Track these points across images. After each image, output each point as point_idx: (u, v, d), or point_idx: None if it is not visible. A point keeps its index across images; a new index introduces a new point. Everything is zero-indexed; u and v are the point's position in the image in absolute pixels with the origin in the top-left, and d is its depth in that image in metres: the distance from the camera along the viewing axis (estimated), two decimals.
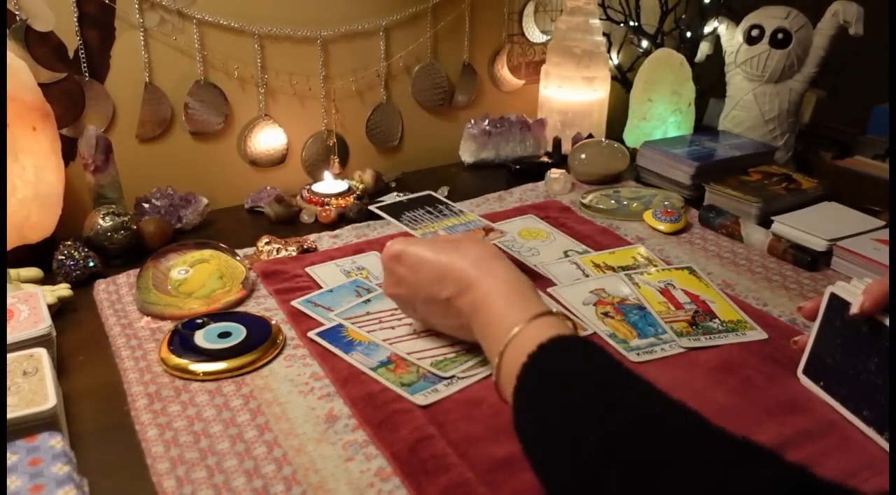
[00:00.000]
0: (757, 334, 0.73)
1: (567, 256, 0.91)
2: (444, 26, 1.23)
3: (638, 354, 0.70)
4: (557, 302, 0.80)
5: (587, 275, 0.85)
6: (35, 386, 0.58)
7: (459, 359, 0.68)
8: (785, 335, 0.73)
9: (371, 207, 0.92)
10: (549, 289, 0.82)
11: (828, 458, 0.58)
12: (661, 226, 0.98)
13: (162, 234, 0.93)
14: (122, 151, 0.99)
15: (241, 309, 0.79)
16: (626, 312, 0.77)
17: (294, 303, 0.78)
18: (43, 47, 0.94)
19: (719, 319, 0.76)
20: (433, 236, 0.77)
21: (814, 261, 0.89)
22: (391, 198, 1.09)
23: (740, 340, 0.72)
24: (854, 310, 0.59)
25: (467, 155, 1.25)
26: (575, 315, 0.77)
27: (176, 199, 1.00)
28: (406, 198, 0.97)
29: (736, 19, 1.25)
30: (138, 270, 0.81)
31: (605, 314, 0.77)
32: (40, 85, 0.87)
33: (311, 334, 0.73)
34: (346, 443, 0.59)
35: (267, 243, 0.91)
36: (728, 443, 0.42)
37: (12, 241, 0.83)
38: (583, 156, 1.15)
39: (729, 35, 1.25)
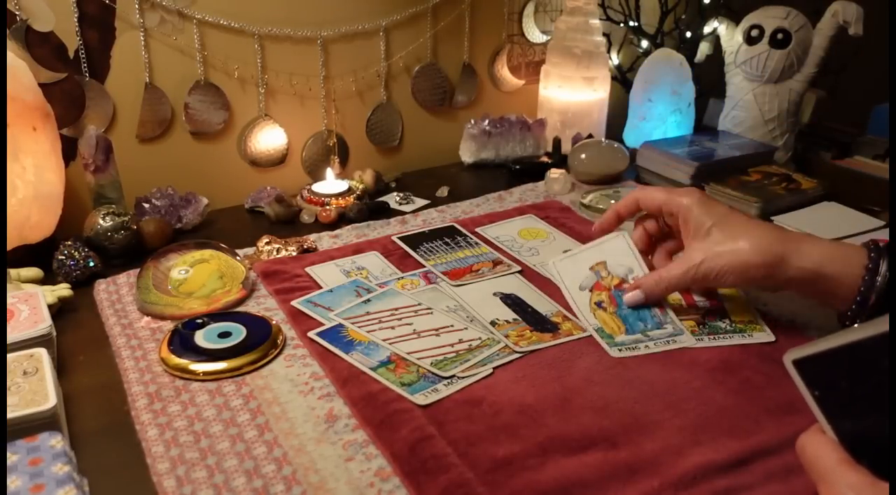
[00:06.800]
0: (765, 336, 0.73)
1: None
2: (444, 26, 1.23)
3: (620, 350, 0.70)
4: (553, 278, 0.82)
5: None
6: (35, 386, 0.58)
7: (459, 358, 0.68)
8: (785, 336, 0.73)
9: (394, 238, 0.93)
10: (551, 261, 0.84)
11: None
12: None
13: (162, 234, 0.93)
14: (122, 151, 1.00)
15: (241, 309, 0.79)
16: (619, 302, 0.76)
17: (294, 303, 0.78)
18: (43, 47, 0.94)
19: (729, 319, 0.75)
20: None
21: None
22: (390, 197, 1.09)
23: (745, 342, 0.72)
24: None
25: (467, 155, 1.24)
26: (569, 299, 0.78)
27: (176, 199, 1.00)
28: (429, 228, 0.96)
29: (736, 19, 1.25)
30: (138, 270, 0.81)
31: (598, 304, 0.77)
32: (40, 85, 0.87)
33: (311, 334, 0.73)
34: (346, 443, 0.59)
35: (267, 243, 0.91)
36: None
37: (12, 241, 0.83)
38: (583, 156, 1.15)
39: (729, 35, 1.25)
